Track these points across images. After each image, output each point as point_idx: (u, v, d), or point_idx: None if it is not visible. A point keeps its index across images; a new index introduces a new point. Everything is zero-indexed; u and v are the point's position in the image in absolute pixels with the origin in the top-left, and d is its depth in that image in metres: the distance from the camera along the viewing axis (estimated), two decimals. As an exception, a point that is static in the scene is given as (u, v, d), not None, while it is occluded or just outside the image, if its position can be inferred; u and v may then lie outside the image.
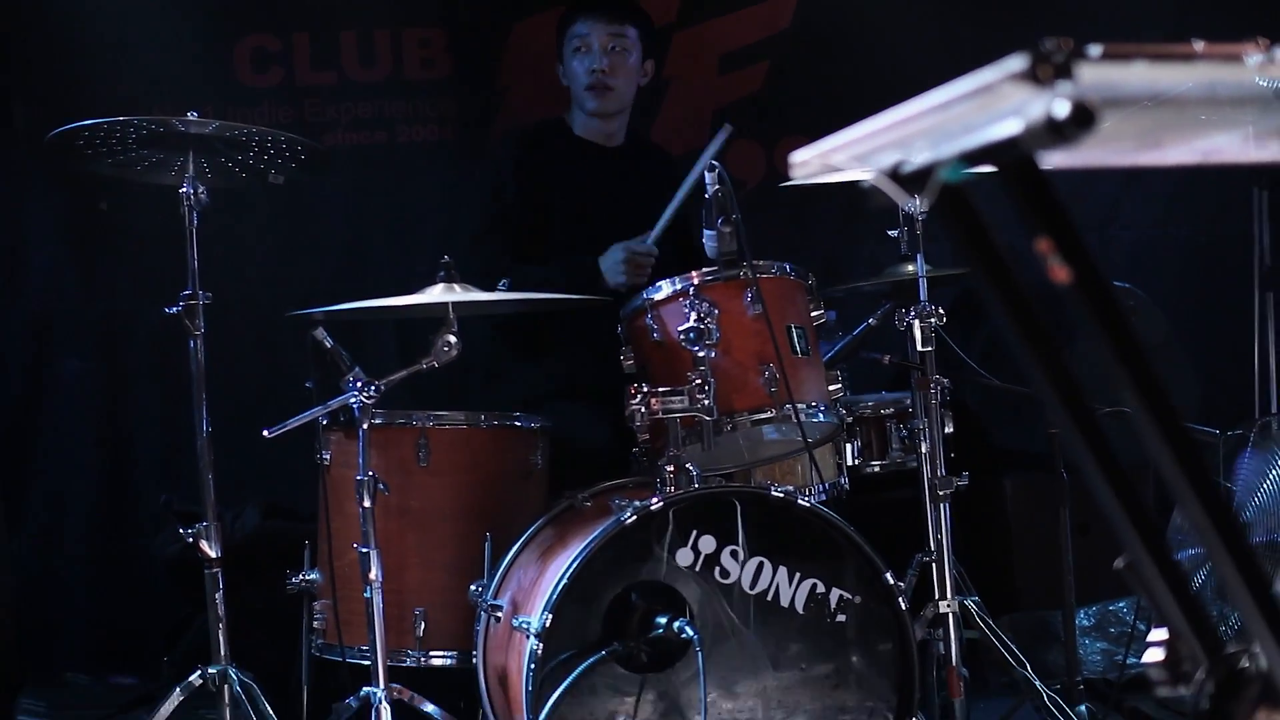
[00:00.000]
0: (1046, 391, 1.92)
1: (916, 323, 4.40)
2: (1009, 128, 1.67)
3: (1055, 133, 1.63)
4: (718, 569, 3.86)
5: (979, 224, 1.91)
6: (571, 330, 4.90)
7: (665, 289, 4.21)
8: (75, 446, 5.75)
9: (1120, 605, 5.20)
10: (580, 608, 3.80)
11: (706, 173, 4.22)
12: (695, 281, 4.15)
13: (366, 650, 3.97)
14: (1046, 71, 1.61)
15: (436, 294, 4.05)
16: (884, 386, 5.11)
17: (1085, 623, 5.26)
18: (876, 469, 4.79)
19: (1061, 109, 1.60)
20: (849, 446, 4.65)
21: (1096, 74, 1.59)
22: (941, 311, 4.39)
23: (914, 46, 6.14)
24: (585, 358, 4.84)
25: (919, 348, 4.44)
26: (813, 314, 4.29)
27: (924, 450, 4.44)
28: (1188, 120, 1.72)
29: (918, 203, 1.74)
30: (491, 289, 4.62)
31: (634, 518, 3.79)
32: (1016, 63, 1.63)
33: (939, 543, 4.38)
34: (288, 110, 5.93)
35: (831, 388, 4.26)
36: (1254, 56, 1.67)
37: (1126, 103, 1.66)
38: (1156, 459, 1.84)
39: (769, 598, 3.89)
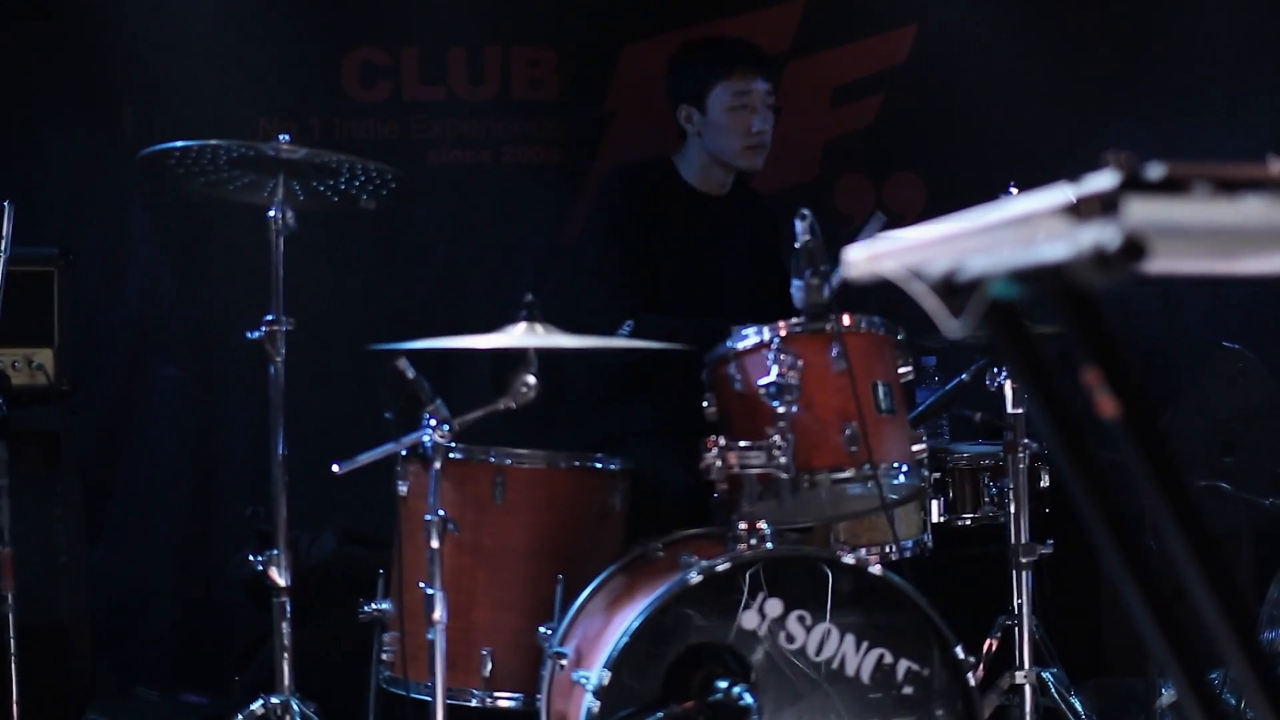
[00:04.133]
0: (1092, 515, 1.84)
1: (1009, 383, 4.31)
2: (1057, 253, 1.59)
3: (1103, 264, 1.55)
4: (783, 633, 3.79)
5: (1027, 341, 1.84)
6: (662, 370, 4.82)
7: (750, 338, 4.13)
8: (164, 457, 5.75)
9: (1211, 677, 5.05)
10: (640, 666, 3.74)
11: (798, 221, 4.14)
12: (781, 333, 4.07)
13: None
14: (1092, 207, 1.53)
15: (517, 335, 4.00)
16: (981, 435, 5.02)
17: (1173, 695, 5.13)
18: (968, 522, 4.70)
19: (1111, 241, 1.52)
20: (935, 503, 4.56)
21: (1151, 206, 1.51)
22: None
23: (1030, 88, 6.04)
24: (675, 398, 4.77)
25: (1010, 409, 4.35)
26: (901, 370, 4.20)
27: (1010, 513, 4.37)
28: (1265, 238, 1.63)
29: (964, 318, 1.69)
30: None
31: (700, 578, 3.72)
32: (1061, 197, 1.56)
33: (1020, 611, 4.30)
34: (393, 126, 5.90)
35: (915, 447, 4.16)
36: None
37: (1184, 234, 1.58)
38: (1201, 603, 1.76)
39: (834, 665, 3.81)
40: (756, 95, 4.94)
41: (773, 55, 5.24)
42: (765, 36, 5.79)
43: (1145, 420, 1.74)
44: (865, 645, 3.83)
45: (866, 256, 1.88)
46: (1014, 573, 4.34)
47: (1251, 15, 6.24)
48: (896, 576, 3.88)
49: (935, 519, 4.54)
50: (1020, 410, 4.33)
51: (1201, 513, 1.79)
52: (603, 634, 3.85)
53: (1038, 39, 6.15)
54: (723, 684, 3.70)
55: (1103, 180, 1.52)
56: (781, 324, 4.10)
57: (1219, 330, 5.74)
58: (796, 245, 4.11)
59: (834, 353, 4.06)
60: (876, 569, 3.83)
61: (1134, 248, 1.52)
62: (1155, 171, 1.54)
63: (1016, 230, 1.64)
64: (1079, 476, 1.82)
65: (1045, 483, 4.53)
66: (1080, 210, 1.53)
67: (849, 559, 3.83)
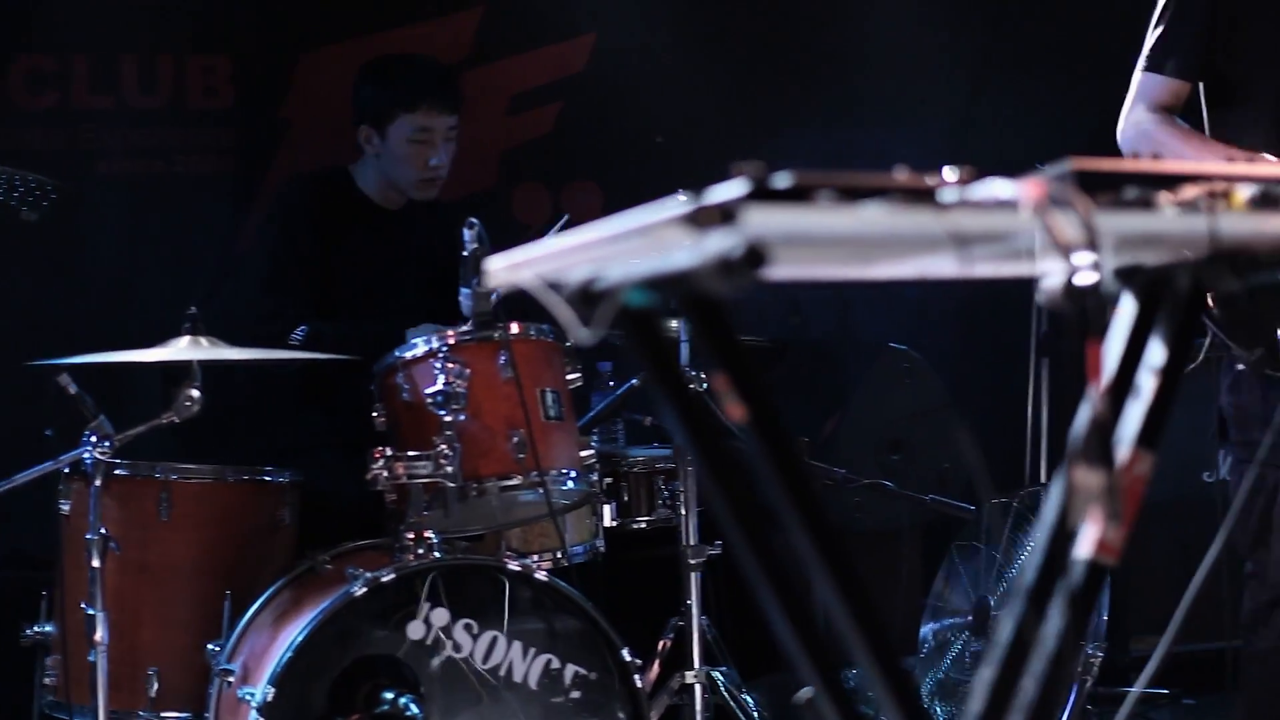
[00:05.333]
0: (721, 504, 1.88)
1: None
2: (684, 261, 1.62)
3: (727, 272, 1.58)
4: (451, 643, 3.79)
5: (661, 347, 1.87)
6: (335, 380, 4.77)
7: (419, 347, 4.12)
8: None
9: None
10: (306, 681, 3.71)
11: (465, 230, 4.14)
12: (449, 341, 4.07)
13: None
14: (711, 217, 1.56)
15: (181, 348, 3.94)
16: (655, 439, 5.07)
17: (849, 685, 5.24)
18: (643, 525, 4.73)
19: (734, 250, 1.56)
20: (608, 507, 4.57)
21: (771, 215, 1.55)
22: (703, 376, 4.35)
23: (707, 96, 6.13)
24: (349, 409, 4.72)
25: (678, 413, 4.40)
26: (569, 376, 4.23)
27: (681, 515, 4.42)
28: (885, 243, 1.68)
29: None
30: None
31: (365, 589, 3.70)
32: (682, 207, 1.58)
33: (689, 612, 4.36)
34: (61, 135, 5.75)
35: (583, 453, 4.19)
36: (948, 191, 1.63)
37: (807, 241, 1.62)
38: (829, 602, 1.81)
39: (502, 673, 3.83)
40: (439, 131, 4.83)
41: (457, 83, 5.11)
42: (443, 45, 5.78)
43: (771, 425, 1.79)
44: (533, 651, 3.84)
45: (506, 266, 1.89)
46: (684, 574, 4.39)
47: (920, 26, 6.42)
48: (563, 582, 3.91)
49: (608, 523, 4.56)
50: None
51: (828, 514, 1.84)
52: (269, 650, 3.80)
53: (715, 48, 6.25)
54: (389, 695, 3.69)
55: (731, 189, 1.56)
56: (450, 332, 4.11)
57: (887, 331, 5.89)
58: (464, 254, 4.11)
59: (501, 361, 4.07)
60: (542, 575, 3.85)
61: (755, 256, 1.56)
62: (782, 180, 1.57)
63: (642, 240, 1.67)
64: (712, 476, 1.86)
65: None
66: (700, 220, 1.56)
67: (515, 566, 3.85)
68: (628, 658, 3.86)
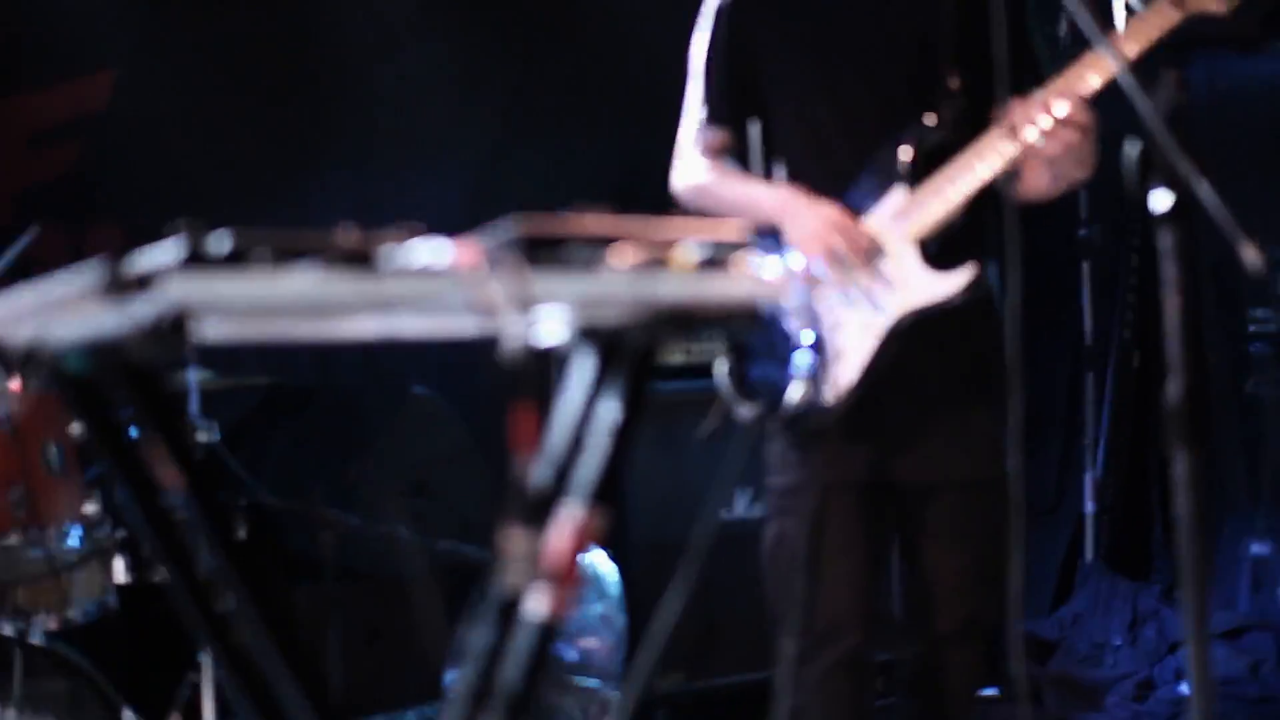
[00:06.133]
0: (174, 580, 1.84)
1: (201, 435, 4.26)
2: (113, 327, 1.57)
3: (155, 339, 1.54)
4: (-62, 713, 3.62)
5: (99, 412, 1.81)
6: None
7: (-87, 399, 3.94)
8: None
9: (407, 715, 5.14)
10: None
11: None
12: (-56, 393, 3.90)
13: None
14: (130, 286, 1.51)
15: None
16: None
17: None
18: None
19: (161, 318, 1.51)
20: (120, 562, 4.42)
21: (194, 282, 1.51)
22: (212, 425, 4.28)
23: (235, 134, 6.03)
24: None
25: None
26: (73, 428, 4.08)
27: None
28: (313, 306, 1.65)
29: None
30: None
31: None
32: (92, 277, 1.53)
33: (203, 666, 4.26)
34: None
35: (89, 508, 4.06)
36: (387, 254, 1.62)
37: (236, 304, 1.58)
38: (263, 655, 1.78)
39: (-6, 743, 3.67)
40: None
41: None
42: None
43: (205, 491, 1.76)
44: (29, 716, 3.69)
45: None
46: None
47: (449, 67, 6.45)
48: (62, 643, 3.76)
49: (122, 579, 4.40)
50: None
51: (270, 580, 1.82)
52: None
53: (241, 87, 6.14)
54: None
55: (160, 254, 1.51)
56: (-55, 384, 3.93)
57: (413, 375, 5.88)
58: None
59: (1, 414, 3.92)
60: (38, 638, 3.71)
61: (180, 323, 1.52)
62: (221, 244, 1.54)
63: (66, 307, 1.61)
64: (155, 540, 1.81)
65: (242, 535, 4.48)
66: (116, 288, 1.51)
67: (7, 630, 3.69)
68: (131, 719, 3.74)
